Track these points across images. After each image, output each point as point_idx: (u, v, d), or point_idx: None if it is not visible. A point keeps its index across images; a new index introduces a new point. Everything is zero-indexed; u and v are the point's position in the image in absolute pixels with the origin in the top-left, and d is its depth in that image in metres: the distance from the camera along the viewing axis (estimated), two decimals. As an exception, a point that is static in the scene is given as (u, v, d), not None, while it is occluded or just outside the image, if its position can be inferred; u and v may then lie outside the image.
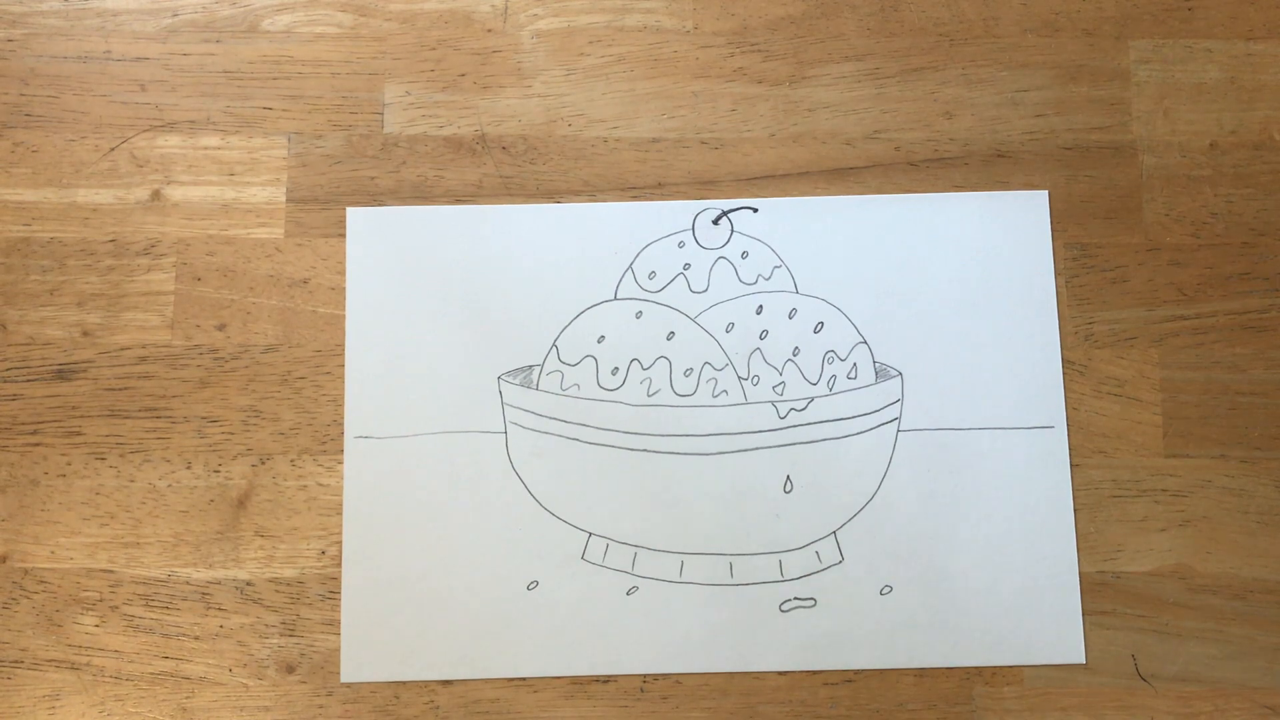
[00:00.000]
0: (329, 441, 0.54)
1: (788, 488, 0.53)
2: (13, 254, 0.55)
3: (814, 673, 0.52)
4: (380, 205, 0.55)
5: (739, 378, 0.54)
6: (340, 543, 0.53)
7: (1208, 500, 0.54)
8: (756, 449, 0.53)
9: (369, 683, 0.52)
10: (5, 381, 0.54)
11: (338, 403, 0.54)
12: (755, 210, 0.55)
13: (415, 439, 0.54)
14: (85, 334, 0.54)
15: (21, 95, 0.56)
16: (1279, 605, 0.53)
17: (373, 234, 0.55)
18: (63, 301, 0.55)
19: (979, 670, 0.52)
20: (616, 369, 0.54)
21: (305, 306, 0.55)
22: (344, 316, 0.55)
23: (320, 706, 0.52)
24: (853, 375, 0.54)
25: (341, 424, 0.54)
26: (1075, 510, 0.53)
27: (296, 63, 0.57)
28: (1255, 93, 0.57)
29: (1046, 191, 0.56)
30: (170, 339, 0.54)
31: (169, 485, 0.53)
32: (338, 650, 0.52)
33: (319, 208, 0.55)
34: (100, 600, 0.53)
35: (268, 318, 0.55)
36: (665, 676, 0.52)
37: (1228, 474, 0.54)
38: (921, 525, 0.53)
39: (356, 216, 0.55)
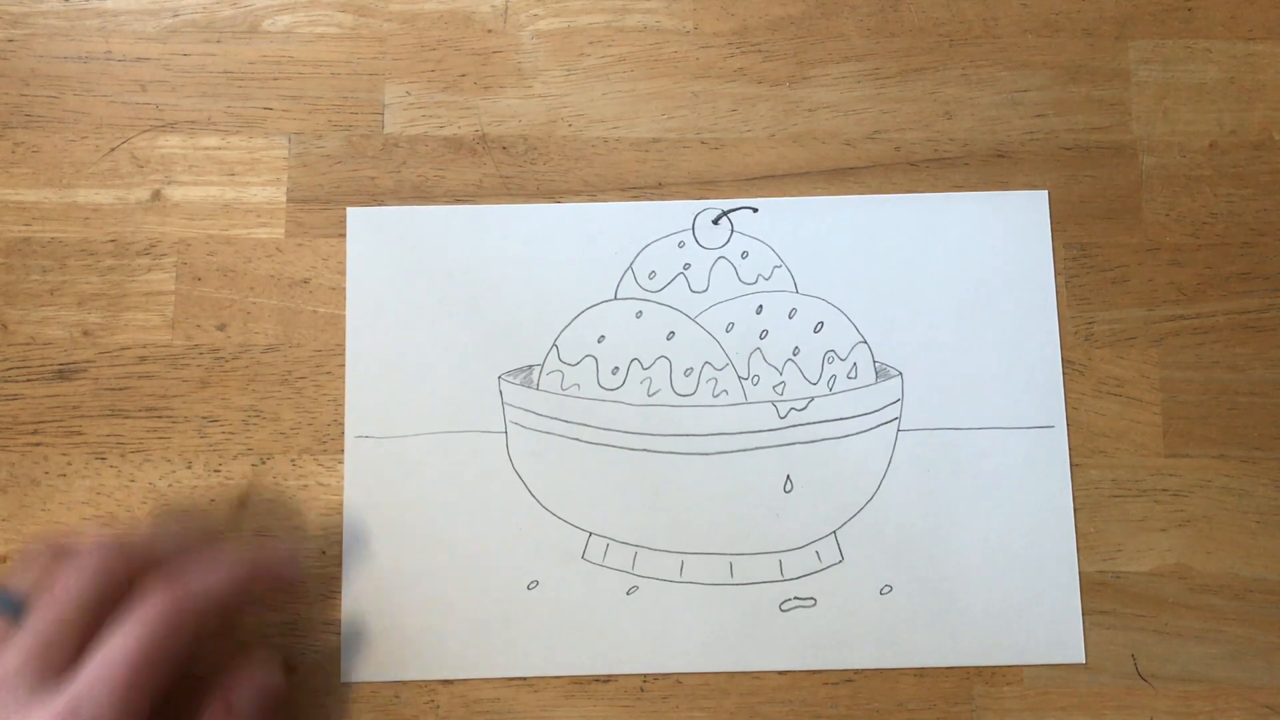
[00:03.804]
0: (329, 441, 0.54)
1: (788, 487, 0.53)
2: (13, 254, 0.55)
3: (814, 672, 0.52)
4: (380, 205, 0.55)
5: (739, 377, 0.54)
6: (340, 543, 0.53)
7: (1208, 500, 0.54)
8: (756, 449, 0.53)
9: (369, 683, 0.52)
10: (5, 381, 0.54)
11: (338, 403, 0.54)
12: (755, 210, 0.55)
13: (415, 439, 0.54)
14: (85, 334, 0.54)
15: (22, 95, 0.56)
16: (1279, 605, 0.53)
17: (373, 234, 0.55)
18: (63, 301, 0.55)
19: (979, 670, 0.52)
20: (617, 369, 0.54)
21: (305, 306, 0.55)
22: (344, 316, 0.55)
23: (320, 706, 0.52)
24: (853, 375, 0.54)
25: (341, 424, 0.54)
26: (1075, 510, 0.53)
27: (297, 63, 0.57)
28: (1255, 93, 0.57)
29: (1046, 191, 0.56)
30: (170, 339, 0.54)
31: (169, 485, 0.53)
32: (338, 650, 0.52)
33: (319, 208, 0.55)
34: (100, 600, 0.53)
35: (268, 318, 0.55)
36: (665, 676, 0.52)
37: (1227, 474, 0.54)
38: (921, 525, 0.53)
39: (357, 216, 0.55)
